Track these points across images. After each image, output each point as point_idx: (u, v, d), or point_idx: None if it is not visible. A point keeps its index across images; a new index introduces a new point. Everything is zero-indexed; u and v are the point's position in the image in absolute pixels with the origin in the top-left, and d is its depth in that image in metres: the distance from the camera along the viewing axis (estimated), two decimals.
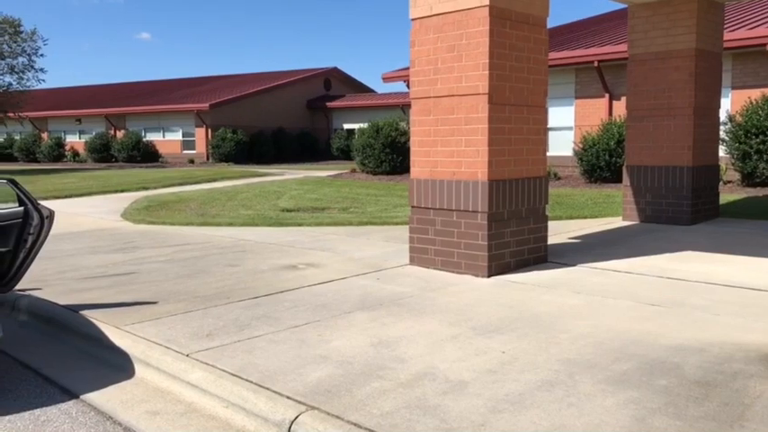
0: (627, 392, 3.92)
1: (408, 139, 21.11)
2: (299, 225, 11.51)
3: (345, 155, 35.30)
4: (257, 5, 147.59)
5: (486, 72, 6.88)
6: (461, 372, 4.32)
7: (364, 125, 24.16)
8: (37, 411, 4.23)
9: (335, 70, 43.96)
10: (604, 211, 12.18)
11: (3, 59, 34.25)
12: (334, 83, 43.27)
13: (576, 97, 20.37)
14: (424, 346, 4.83)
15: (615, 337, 4.97)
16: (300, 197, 16.11)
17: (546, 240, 7.83)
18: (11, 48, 34.26)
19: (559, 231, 9.58)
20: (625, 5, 11.16)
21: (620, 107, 18.28)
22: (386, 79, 24.59)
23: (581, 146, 17.59)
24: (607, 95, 19.56)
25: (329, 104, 40.32)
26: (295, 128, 39.47)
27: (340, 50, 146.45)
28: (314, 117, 41.18)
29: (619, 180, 15.04)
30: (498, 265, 7.10)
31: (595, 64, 18.93)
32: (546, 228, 7.82)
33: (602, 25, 22.80)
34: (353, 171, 23.58)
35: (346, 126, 39.07)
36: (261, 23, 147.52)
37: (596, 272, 7.24)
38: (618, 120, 17.35)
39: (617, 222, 10.99)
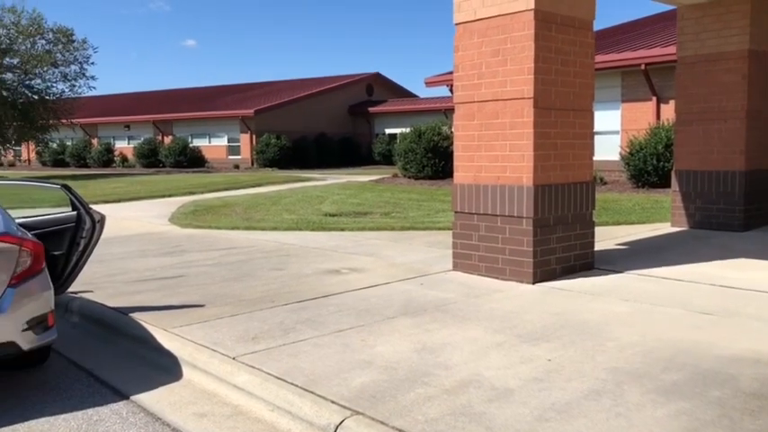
0: (678, 403, 3.82)
1: (451, 144, 21.08)
2: (342, 229, 11.56)
3: (387, 159, 35.36)
4: (301, 13, 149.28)
5: (531, 76, 6.81)
6: (507, 379, 4.27)
7: (406, 130, 24.16)
8: (90, 411, 4.33)
9: (378, 75, 44.13)
10: (652, 217, 11.92)
11: (56, 68, 35.35)
12: (376, 88, 43.43)
13: (623, 101, 20.02)
14: (468, 353, 4.79)
15: (665, 346, 4.86)
16: (343, 202, 16.19)
17: (593, 246, 7.70)
18: (64, 56, 35.35)
19: (606, 237, 9.41)
20: (674, 7, 10.93)
21: (668, 111, 17.88)
22: (428, 84, 24.56)
23: (628, 150, 17.28)
24: (654, 99, 19.17)
25: (371, 109, 40.47)
26: (337, 133, 39.73)
27: (383, 56, 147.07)
28: (356, 122, 41.38)
29: (667, 185, 14.71)
30: (544, 272, 7.00)
31: (642, 67, 18.57)
32: (593, 233, 7.69)
33: (649, 27, 22.36)
34: (395, 176, 23.60)
35: (388, 131, 39.15)
36: (305, 30, 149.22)
37: (645, 279, 7.09)
38: (666, 123, 16.98)
39: (665, 228, 10.75)
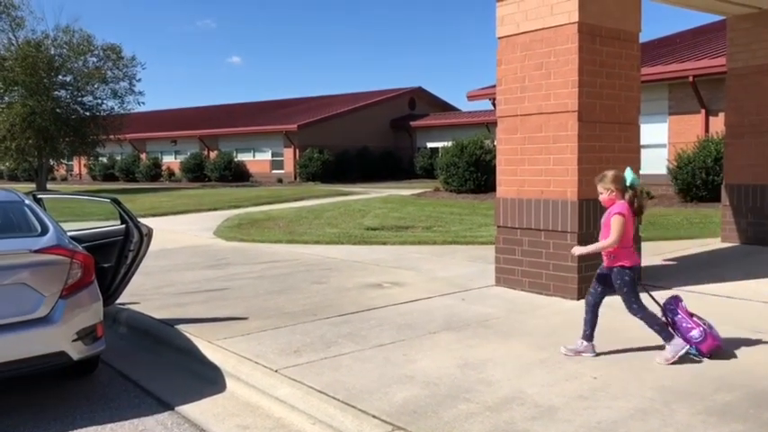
0: (730, 425, 3.70)
1: (493, 158, 20.95)
2: (384, 243, 11.58)
3: (429, 173, 35.31)
4: (344, 28, 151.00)
5: (576, 89, 6.74)
6: (551, 397, 4.20)
7: (448, 144, 24.11)
8: (135, 421, 4.41)
9: (420, 90, 44.21)
10: (701, 232, 11.63)
11: (106, 84, 36.40)
12: (418, 102, 43.50)
13: (670, 113, 19.63)
14: (511, 370, 4.73)
15: (716, 365, 4.71)
16: (384, 216, 16.22)
17: (639, 262, 7.52)
18: (113, 73, 36.40)
19: (653, 253, 9.20)
20: (723, 17, 10.70)
21: (717, 123, 17.46)
22: (471, 97, 24.52)
23: (675, 164, 16.91)
24: (703, 111, 18.74)
25: (413, 123, 40.52)
26: (379, 147, 39.89)
27: (425, 70, 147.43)
28: (397, 136, 41.48)
29: (716, 199, 14.33)
30: (588, 288, 6.86)
31: (690, 79, 18.19)
32: (639, 249, 7.52)
33: (697, 39, 21.92)
34: (437, 190, 23.55)
35: (430, 145, 39.11)
36: (347, 45, 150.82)
37: (694, 296, 6.89)
38: (715, 136, 16.58)
39: (715, 244, 10.46)
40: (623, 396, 4.18)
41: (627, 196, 4.82)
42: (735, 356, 4.90)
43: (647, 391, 4.25)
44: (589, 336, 5.04)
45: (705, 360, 4.81)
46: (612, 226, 4.75)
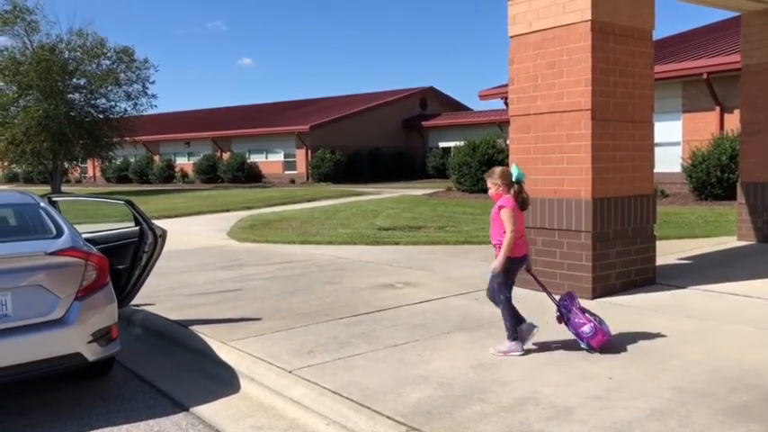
0: (748, 426, 3.66)
1: (506, 157, 20.83)
2: (396, 244, 11.57)
3: (441, 173, 35.25)
4: (353, 29, 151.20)
5: (589, 88, 6.70)
6: (566, 397, 4.18)
7: (460, 143, 24.05)
8: (151, 422, 4.43)
9: (431, 90, 44.14)
10: (717, 231, 11.52)
11: (119, 87, 36.64)
12: (429, 102, 43.44)
13: (684, 111, 19.48)
14: (525, 370, 4.71)
15: (733, 365, 4.67)
16: (397, 216, 16.21)
17: (654, 261, 7.48)
18: (126, 75, 36.63)
19: (668, 252, 9.13)
20: (738, 13, 10.60)
21: (732, 120, 17.31)
22: (483, 97, 24.46)
23: (690, 162, 16.78)
24: (718, 108, 18.58)
25: (425, 123, 40.46)
26: (391, 147, 39.86)
27: (437, 70, 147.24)
28: (409, 136, 41.43)
29: (732, 197, 14.20)
30: (603, 287, 6.84)
31: (704, 76, 18.04)
32: (654, 248, 7.48)
33: (711, 35, 21.74)
34: (449, 189, 23.51)
35: (442, 144, 39.03)
36: (357, 46, 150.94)
37: (710, 295, 6.84)
38: (730, 134, 16.44)
39: (731, 242, 10.36)
40: (639, 396, 4.15)
41: (512, 191, 5.05)
42: (752, 357, 4.86)
43: (664, 391, 4.21)
44: (514, 334, 5.13)
45: (723, 360, 4.76)
46: (503, 218, 4.97)
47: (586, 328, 4.97)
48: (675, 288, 7.19)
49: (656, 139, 7.95)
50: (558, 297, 5.29)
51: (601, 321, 5.05)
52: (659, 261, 7.74)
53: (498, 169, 5.16)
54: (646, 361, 4.82)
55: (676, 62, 18.86)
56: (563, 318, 5.15)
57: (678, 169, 18.22)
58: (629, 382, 4.41)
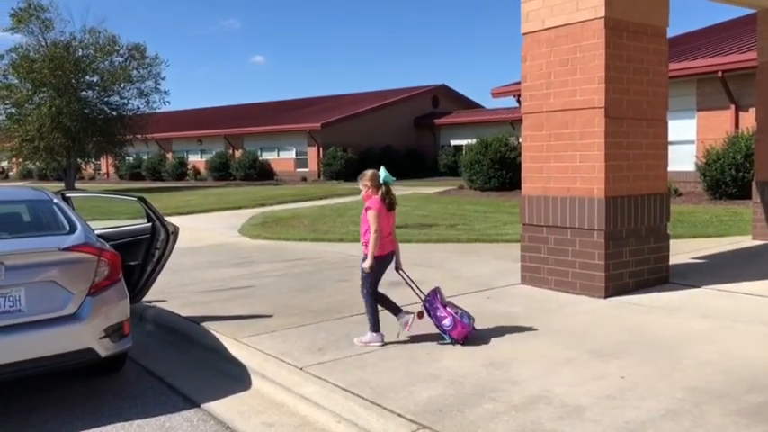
0: (764, 427, 3.62)
1: (518, 155, 20.79)
2: (407, 241, 11.52)
3: (452, 171, 35.17)
4: (366, 27, 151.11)
5: (602, 85, 6.65)
6: (578, 396, 4.15)
7: (472, 141, 23.98)
8: (162, 418, 4.45)
9: (443, 87, 44.02)
10: (731, 230, 11.42)
11: (132, 83, 36.83)
12: (441, 100, 43.33)
13: (698, 109, 19.31)
14: (537, 369, 4.68)
15: (748, 365, 4.62)
16: (408, 214, 16.18)
17: (667, 260, 7.42)
18: (139, 72, 36.81)
19: (682, 251, 9.06)
20: (753, 11, 10.49)
21: (747, 119, 17.14)
22: (495, 94, 24.35)
23: (704, 160, 16.64)
24: (732, 107, 18.41)
25: (436, 121, 40.37)
26: (402, 145, 39.79)
27: (448, 68, 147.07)
28: (421, 134, 41.35)
29: (747, 196, 14.07)
30: (616, 286, 6.80)
31: (719, 74, 17.87)
32: (667, 247, 7.42)
33: (724, 33, 21.54)
34: (461, 187, 23.46)
35: (453, 142, 38.94)
36: (369, 44, 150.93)
37: (724, 295, 6.78)
38: (745, 132, 16.28)
39: (746, 242, 10.26)
40: (652, 396, 4.11)
41: (380, 192, 5.32)
42: (767, 357, 4.81)
43: (678, 391, 4.17)
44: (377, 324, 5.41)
45: (738, 360, 4.72)
46: (369, 219, 5.27)
47: (447, 321, 5.26)
48: (689, 287, 7.13)
49: (670, 138, 7.88)
50: (423, 294, 5.51)
51: (462, 315, 5.31)
52: (672, 260, 7.68)
53: (369, 172, 5.48)
54: (658, 361, 4.78)
55: (691, 60, 18.70)
56: (427, 312, 5.39)
57: (692, 168, 18.07)
58: (641, 381, 4.38)
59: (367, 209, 5.31)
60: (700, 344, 5.13)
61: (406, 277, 5.58)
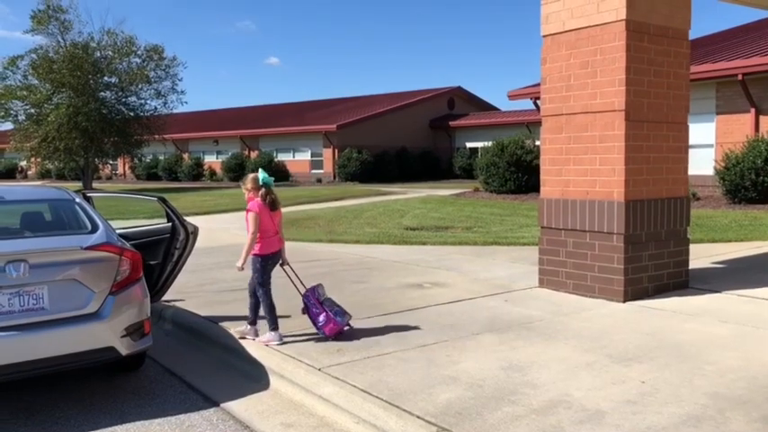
0: None
1: (534, 158, 20.70)
2: (423, 244, 11.54)
3: (468, 174, 35.10)
4: (383, 29, 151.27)
5: (623, 88, 6.61)
6: (598, 401, 4.12)
7: (488, 143, 23.88)
8: (182, 416, 4.47)
9: (459, 89, 43.95)
10: (751, 234, 11.30)
11: (149, 85, 37.11)
12: (457, 102, 43.25)
13: (717, 113, 19.14)
14: (556, 372, 4.66)
15: None
16: (424, 216, 16.18)
17: (687, 264, 7.36)
18: (156, 73, 37.09)
19: (701, 255, 8.98)
20: None
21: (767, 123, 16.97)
22: (512, 97, 24.29)
23: (723, 164, 16.47)
24: (753, 110, 18.22)
25: (452, 123, 40.31)
26: (417, 147, 39.79)
27: (464, 70, 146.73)
28: (436, 136, 41.32)
29: (767, 201, 13.93)
30: (635, 290, 6.75)
31: (740, 77, 17.70)
32: (687, 251, 7.36)
33: (746, 36, 21.34)
34: (476, 190, 23.39)
35: (469, 145, 38.86)
36: (385, 46, 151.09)
37: (745, 300, 6.71)
38: (766, 136, 16.11)
39: (766, 246, 10.15)
40: (674, 401, 4.08)
41: (260, 194, 5.51)
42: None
43: (700, 397, 4.14)
44: (273, 325, 5.59)
45: (761, 367, 4.66)
46: (248, 221, 5.49)
47: (321, 318, 5.56)
48: (709, 292, 7.07)
49: (689, 141, 7.81)
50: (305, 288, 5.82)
51: (337, 313, 5.62)
52: (692, 265, 7.62)
53: (250, 175, 5.70)
54: (680, 366, 4.74)
55: (711, 63, 18.54)
56: (305, 307, 5.68)
57: (710, 172, 17.91)
58: (662, 386, 4.34)
59: (247, 211, 5.53)
60: (721, 349, 5.08)
61: (290, 272, 5.86)
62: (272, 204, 5.58)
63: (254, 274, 5.62)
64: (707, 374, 4.55)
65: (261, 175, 5.61)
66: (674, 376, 4.53)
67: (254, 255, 5.56)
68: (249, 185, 5.64)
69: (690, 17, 7.22)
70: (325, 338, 5.52)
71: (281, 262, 5.81)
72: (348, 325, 5.73)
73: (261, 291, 5.62)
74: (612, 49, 6.68)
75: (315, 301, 5.67)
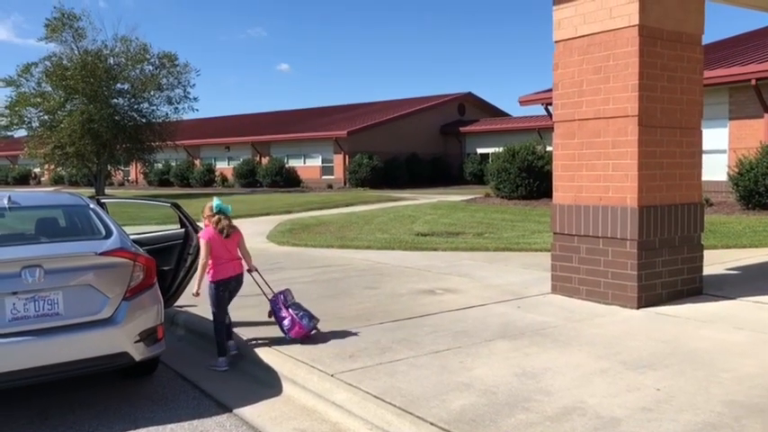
0: None
1: (546, 163, 20.64)
2: (435, 249, 11.52)
3: (478, 179, 35.07)
4: (391, 35, 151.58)
5: (636, 93, 6.58)
6: (612, 408, 4.09)
7: (498, 149, 23.83)
8: (195, 422, 4.48)
9: (469, 95, 43.95)
10: (765, 241, 11.20)
11: (161, 91, 37.34)
12: (468, 107, 43.25)
13: (731, 118, 19.01)
14: (570, 379, 4.63)
15: None
16: (435, 222, 16.16)
17: (701, 271, 7.31)
18: (168, 80, 37.31)
19: (715, 261, 8.91)
20: None
21: None
22: (523, 103, 24.23)
23: (736, 170, 16.36)
24: (766, 116, 18.09)
25: (462, 129, 40.31)
26: (428, 153, 39.81)
27: (475, 76, 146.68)
28: (447, 142, 41.33)
29: None
30: (649, 297, 6.71)
31: (753, 82, 17.58)
32: (701, 257, 7.31)
33: (759, 41, 21.21)
34: (487, 195, 23.34)
35: (480, 150, 38.84)
36: (395, 52, 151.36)
37: (761, 306, 6.65)
38: None
39: None
40: (689, 409, 4.04)
41: (213, 221, 5.64)
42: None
43: (716, 404, 4.10)
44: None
45: None
46: (200, 249, 5.59)
47: (286, 322, 5.70)
48: (724, 299, 7.01)
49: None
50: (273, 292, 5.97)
51: (303, 316, 5.73)
52: (706, 271, 7.56)
53: (207, 205, 5.83)
54: (695, 373, 4.70)
55: (724, 68, 18.43)
56: (273, 311, 5.82)
57: (724, 177, 17.79)
58: (678, 394, 4.31)
59: (200, 238, 5.68)
60: (737, 357, 5.04)
61: (258, 278, 5.94)
62: (222, 231, 5.61)
63: (209, 299, 5.72)
64: (723, 382, 4.51)
65: (215, 203, 5.73)
66: (689, 384, 4.49)
67: (210, 281, 5.65)
68: (206, 213, 5.79)
69: (703, 22, 7.19)
70: (290, 339, 5.66)
71: (248, 269, 5.91)
72: (315, 329, 5.83)
73: (215, 321, 5.68)
74: (625, 54, 6.66)
75: (281, 305, 5.79)
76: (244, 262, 5.86)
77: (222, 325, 5.68)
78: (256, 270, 5.98)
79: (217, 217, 5.66)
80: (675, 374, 4.69)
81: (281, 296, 5.89)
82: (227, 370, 5.49)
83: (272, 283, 8.54)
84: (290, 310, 5.77)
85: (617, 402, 4.18)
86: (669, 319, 6.29)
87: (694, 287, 7.19)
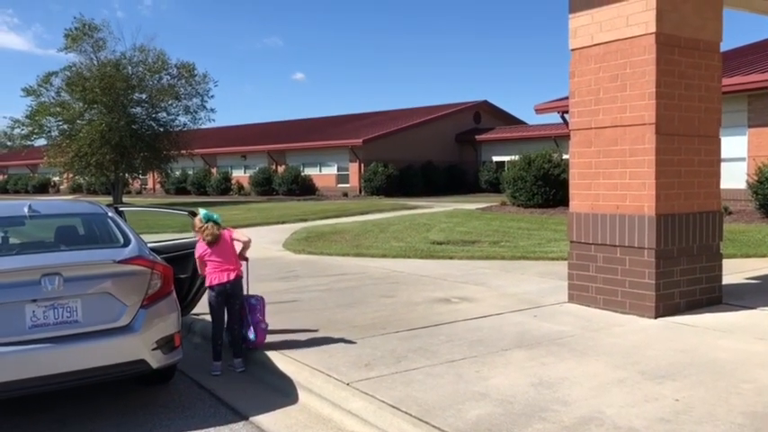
0: None
1: (562, 172, 20.54)
2: (450, 258, 11.49)
3: (494, 188, 34.99)
4: (408, 44, 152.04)
5: (653, 101, 6.55)
6: (630, 418, 4.05)
7: (514, 157, 23.76)
8: (211, 430, 4.50)
9: (485, 103, 43.91)
10: None
11: (179, 101, 37.68)
12: (483, 116, 43.21)
13: (750, 126, 18.82)
14: (588, 389, 4.60)
15: None
16: (450, 230, 16.12)
17: (720, 280, 7.23)
18: (186, 90, 37.65)
19: (734, 270, 8.81)
20: None
21: None
22: (538, 111, 24.15)
23: (756, 178, 16.19)
24: None
25: (478, 137, 40.26)
26: (443, 161, 39.80)
27: (490, 84, 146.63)
28: (462, 150, 41.29)
29: None
30: (667, 306, 6.64)
31: None
32: (720, 266, 7.23)
33: None
34: (503, 204, 23.26)
35: (495, 158, 38.77)
36: (411, 60, 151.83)
37: None
38: None
39: None
40: (709, 420, 3.99)
41: (203, 234, 5.67)
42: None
43: (737, 416, 4.04)
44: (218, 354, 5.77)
45: None
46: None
47: (263, 325, 5.85)
48: (743, 308, 6.93)
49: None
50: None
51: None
52: (725, 280, 7.48)
53: (196, 219, 5.84)
54: (715, 383, 4.64)
55: (742, 75, 18.28)
56: (250, 311, 5.88)
57: (743, 186, 17.60)
58: (697, 404, 4.26)
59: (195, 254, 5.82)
60: (758, 367, 4.97)
61: (243, 269, 5.97)
62: (209, 239, 5.64)
63: (209, 306, 5.82)
64: (743, 393, 4.45)
65: (201, 213, 5.78)
66: (709, 394, 4.44)
67: (207, 286, 5.80)
68: (196, 227, 5.80)
69: (721, 29, 7.14)
70: (253, 345, 5.80)
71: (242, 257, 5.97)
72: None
73: (213, 325, 5.81)
74: (642, 62, 6.63)
75: (262, 311, 5.94)
76: (242, 267, 5.93)
77: (218, 330, 5.76)
78: (246, 260, 6.02)
79: (204, 226, 5.68)
80: (694, 385, 4.64)
81: (250, 300, 5.93)
82: (221, 375, 5.61)
83: (288, 292, 8.61)
84: (257, 315, 5.86)
85: (635, 413, 4.14)
86: (688, 328, 6.22)
87: (713, 296, 7.12)
